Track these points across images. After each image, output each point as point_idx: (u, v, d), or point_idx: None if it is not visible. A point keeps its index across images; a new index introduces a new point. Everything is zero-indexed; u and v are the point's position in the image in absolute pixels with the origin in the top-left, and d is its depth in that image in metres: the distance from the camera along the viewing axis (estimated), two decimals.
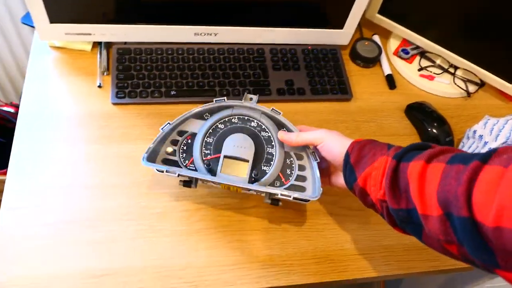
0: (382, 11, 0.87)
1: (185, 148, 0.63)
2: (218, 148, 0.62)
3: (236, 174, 0.61)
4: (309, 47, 0.85)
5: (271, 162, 0.62)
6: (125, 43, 0.80)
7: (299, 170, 0.63)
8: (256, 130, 0.64)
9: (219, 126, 0.64)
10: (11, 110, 1.01)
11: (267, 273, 0.61)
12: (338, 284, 0.64)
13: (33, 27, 0.80)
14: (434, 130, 0.77)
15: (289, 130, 0.64)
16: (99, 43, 0.80)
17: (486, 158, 0.39)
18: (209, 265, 0.61)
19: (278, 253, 0.63)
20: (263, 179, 0.61)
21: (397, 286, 1.18)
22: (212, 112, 0.65)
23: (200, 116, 0.65)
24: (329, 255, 0.64)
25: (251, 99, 0.66)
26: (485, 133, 0.70)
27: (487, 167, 0.38)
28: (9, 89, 1.17)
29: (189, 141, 0.64)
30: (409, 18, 0.85)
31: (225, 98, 0.65)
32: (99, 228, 0.62)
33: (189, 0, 0.74)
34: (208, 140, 0.63)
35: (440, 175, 0.42)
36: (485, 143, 0.69)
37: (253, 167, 0.61)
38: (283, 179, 0.62)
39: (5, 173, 0.97)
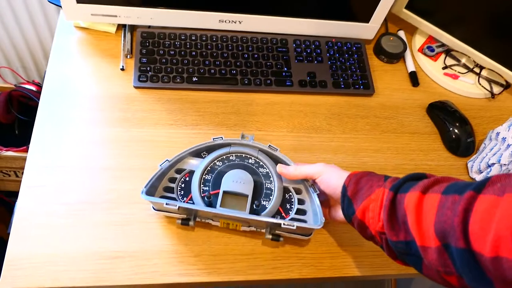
0: (409, 6, 0.85)
1: (183, 185, 0.63)
2: (216, 184, 0.62)
3: (236, 209, 0.60)
4: (333, 40, 0.84)
5: (271, 197, 0.62)
6: (149, 26, 0.80)
7: (298, 204, 0.63)
8: (254, 167, 0.64)
9: (217, 163, 0.64)
10: (33, 88, 1.02)
11: (281, 264, 0.61)
12: (351, 280, 0.64)
13: (59, 6, 0.80)
14: (456, 130, 0.76)
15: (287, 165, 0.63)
16: (124, 26, 0.80)
17: (480, 187, 0.39)
18: (224, 253, 0.61)
19: (292, 246, 0.63)
20: (263, 213, 0.60)
21: (408, 285, 1.18)
22: (209, 150, 0.65)
23: (197, 154, 0.65)
24: (344, 250, 0.64)
25: (247, 137, 0.66)
26: (508, 136, 0.68)
27: (481, 197, 0.38)
28: (32, 67, 1.19)
29: (187, 178, 0.63)
30: (437, 14, 0.84)
31: (223, 136, 0.65)
32: (116, 210, 0.62)
33: None
34: (206, 177, 0.62)
35: (437, 206, 0.42)
36: (508, 146, 0.68)
37: (252, 202, 0.61)
38: (283, 213, 0.62)
39: (26, 150, 0.99)
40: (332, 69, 0.81)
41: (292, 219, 0.61)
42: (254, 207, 0.60)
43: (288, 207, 0.63)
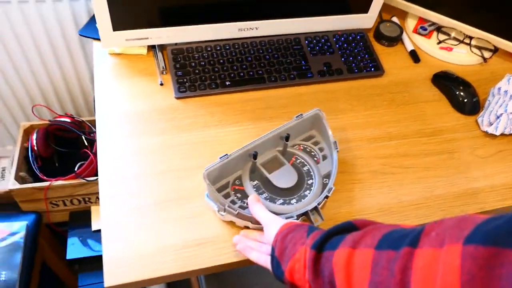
0: None
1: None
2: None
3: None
4: (339, 33, 0.94)
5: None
6: (176, 44, 0.88)
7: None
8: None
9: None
10: (68, 120, 1.08)
11: None
12: None
13: (91, 38, 0.87)
14: (462, 93, 0.86)
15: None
16: (153, 47, 0.88)
17: (415, 241, 0.36)
18: None
19: (347, 209, 0.71)
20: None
21: None
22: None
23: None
24: (391, 207, 0.73)
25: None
26: (509, 88, 0.79)
27: (418, 252, 0.35)
28: (66, 100, 1.26)
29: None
30: None
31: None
32: (187, 205, 0.69)
33: (232, 1, 0.82)
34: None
35: (370, 264, 0.38)
36: (511, 96, 0.78)
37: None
38: None
39: (74, 177, 1.04)
40: (343, 58, 0.91)
41: None
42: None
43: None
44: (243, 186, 0.69)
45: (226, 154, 0.66)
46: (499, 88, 0.82)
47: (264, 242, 0.59)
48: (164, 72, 0.85)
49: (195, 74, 0.84)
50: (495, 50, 0.95)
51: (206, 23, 0.85)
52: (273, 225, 0.55)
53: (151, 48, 0.89)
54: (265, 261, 0.55)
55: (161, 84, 0.84)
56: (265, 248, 0.58)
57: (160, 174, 0.72)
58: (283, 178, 0.69)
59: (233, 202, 0.67)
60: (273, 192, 0.68)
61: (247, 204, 0.65)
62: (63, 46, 1.12)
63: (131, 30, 0.81)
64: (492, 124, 0.82)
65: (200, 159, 0.75)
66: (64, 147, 1.11)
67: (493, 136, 0.83)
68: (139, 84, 0.84)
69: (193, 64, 0.85)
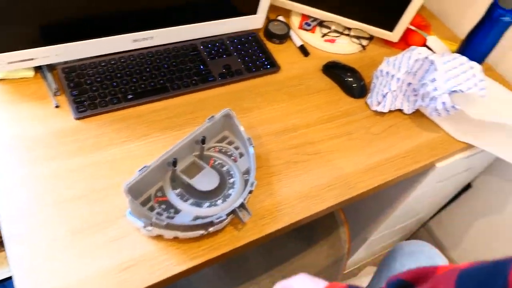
0: None
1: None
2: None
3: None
4: (233, 35, 0.97)
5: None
6: (65, 62, 0.83)
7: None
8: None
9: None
10: None
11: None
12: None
13: None
14: (350, 79, 0.95)
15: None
16: (40, 68, 0.82)
17: None
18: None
19: (270, 201, 0.74)
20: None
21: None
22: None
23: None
24: (309, 193, 0.77)
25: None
26: (390, 69, 0.89)
27: None
28: None
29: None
30: None
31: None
32: (109, 228, 0.66)
33: (122, 10, 0.80)
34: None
35: None
36: (392, 76, 0.88)
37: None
38: None
39: None
40: (241, 58, 0.94)
41: None
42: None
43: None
44: (166, 197, 0.68)
45: (145, 166, 0.65)
46: (381, 71, 0.92)
47: None
48: (58, 93, 0.80)
49: (93, 91, 0.80)
50: (371, 38, 1.06)
51: (96, 37, 0.81)
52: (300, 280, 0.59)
53: (38, 69, 0.82)
54: None
55: (57, 107, 0.78)
56: None
57: (71, 200, 0.68)
58: (205, 181, 0.69)
59: (159, 214, 0.66)
60: (197, 196, 0.68)
61: (174, 213, 0.65)
62: None
63: (13, 51, 0.75)
64: (380, 103, 0.91)
65: (112, 178, 0.71)
66: None
67: (382, 113, 0.93)
68: (30, 109, 0.77)
69: (89, 81, 0.81)
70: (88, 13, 0.77)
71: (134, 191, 0.63)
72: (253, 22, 0.98)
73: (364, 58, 1.06)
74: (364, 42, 1.06)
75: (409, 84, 0.90)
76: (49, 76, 0.81)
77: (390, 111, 0.94)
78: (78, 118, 0.78)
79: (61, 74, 0.81)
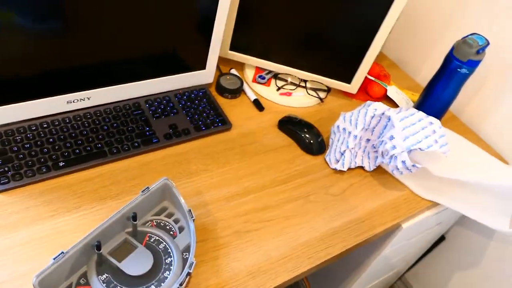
0: (232, 47, 0.98)
1: None
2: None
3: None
4: (180, 92, 0.91)
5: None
6: None
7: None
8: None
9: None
10: None
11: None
12: None
13: None
14: (307, 135, 0.89)
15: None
16: None
17: None
18: None
19: (215, 281, 0.66)
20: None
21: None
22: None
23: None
24: (260, 267, 0.69)
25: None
26: (346, 125, 0.84)
27: None
28: None
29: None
30: (255, 49, 0.98)
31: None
32: None
33: (53, 69, 0.74)
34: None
35: None
36: (349, 133, 0.83)
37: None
38: None
39: None
40: (189, 116, 0.87)
41: None
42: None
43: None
44: (89, 285, 0.59)
45: (62, 252, 0.56)
46: (338, 126, 0.87)
47: None
48: None
49: (19, 159, 0.72)
50: (329, 90, 1.02)
51: (24, 101, 0.74)
52: None
53: None
54: None
55: None
56: None
57: None
58: (137, 263, 0.60)
59: None
60: (127, 283, 0.60)
61: None
62: None
63: None
64: (338, 161, 0.85)
65: (35, 261, 0.63)
66: None
67: (342, 171, 0.87)
68: None
69: (15, 148, 0.73)
70: (14, 73, 0.70)
71: (48, 282, 0.54)
72: (202, 77, 0.93)
73: (323, 110, 1.01)
74: (322, 94, 1.02)
75: (368, 140, 0.85)
76: None
77: (350, 169, 0.88)
78: (0, 191, 0.69)
79: None
